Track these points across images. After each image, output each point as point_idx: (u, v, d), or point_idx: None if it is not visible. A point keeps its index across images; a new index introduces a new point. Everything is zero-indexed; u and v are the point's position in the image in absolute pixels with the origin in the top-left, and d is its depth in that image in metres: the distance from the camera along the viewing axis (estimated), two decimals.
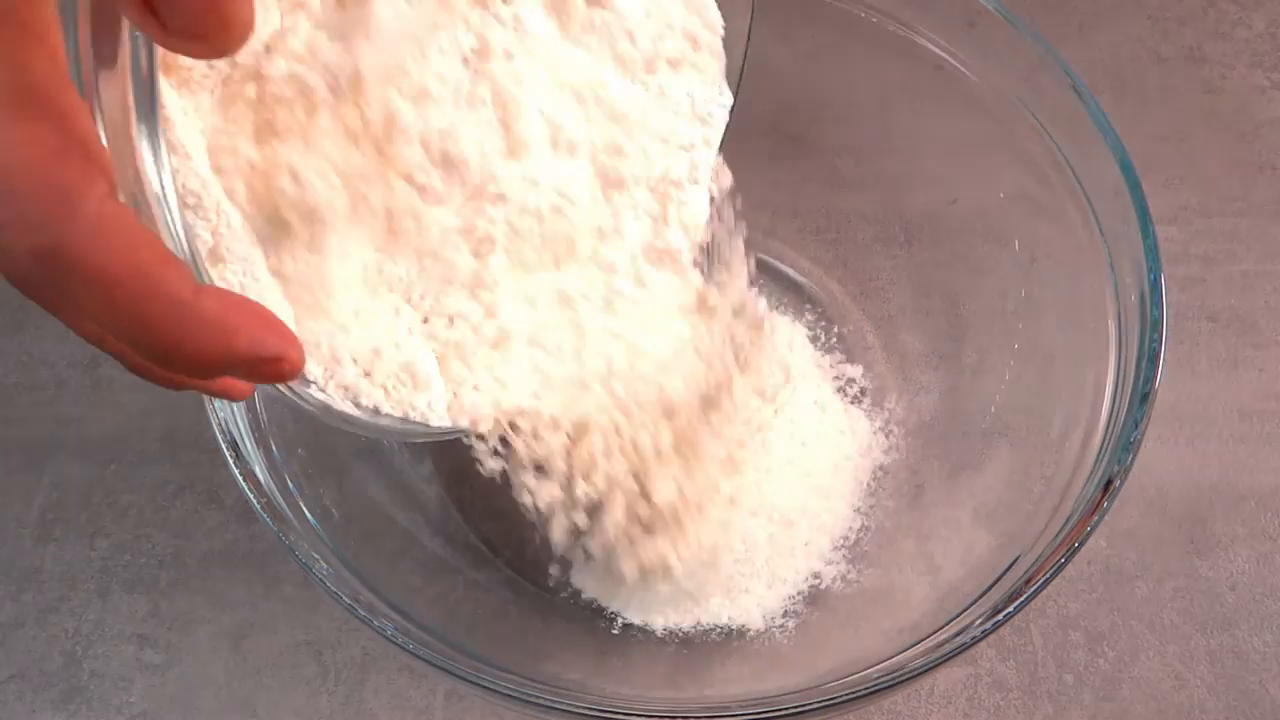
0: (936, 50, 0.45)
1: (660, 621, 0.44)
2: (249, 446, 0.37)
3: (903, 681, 0.34)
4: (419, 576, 0.42)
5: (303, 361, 0.26)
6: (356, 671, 0.46)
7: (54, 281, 0.22)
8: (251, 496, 0.36)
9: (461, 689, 0.35)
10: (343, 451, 0.43)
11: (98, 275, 0.22)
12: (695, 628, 0.44)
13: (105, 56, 0.24)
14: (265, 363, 0.25)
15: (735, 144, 0.40)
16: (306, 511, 0.38)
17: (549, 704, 0.33)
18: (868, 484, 0.47)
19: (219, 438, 0.36)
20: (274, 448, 0.38)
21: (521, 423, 0.36)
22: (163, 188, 0.25)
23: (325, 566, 0.35)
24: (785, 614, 0.44)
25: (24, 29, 0.21)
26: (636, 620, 0.44)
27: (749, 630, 0.44)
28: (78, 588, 0.47)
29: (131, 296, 0.23)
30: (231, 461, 0.36)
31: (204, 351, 0.24)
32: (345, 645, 0.46)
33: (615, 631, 0.44)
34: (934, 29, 0.45)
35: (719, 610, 0.44)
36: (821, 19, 0.46)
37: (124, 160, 0.24)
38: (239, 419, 0.37)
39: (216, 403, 0.36)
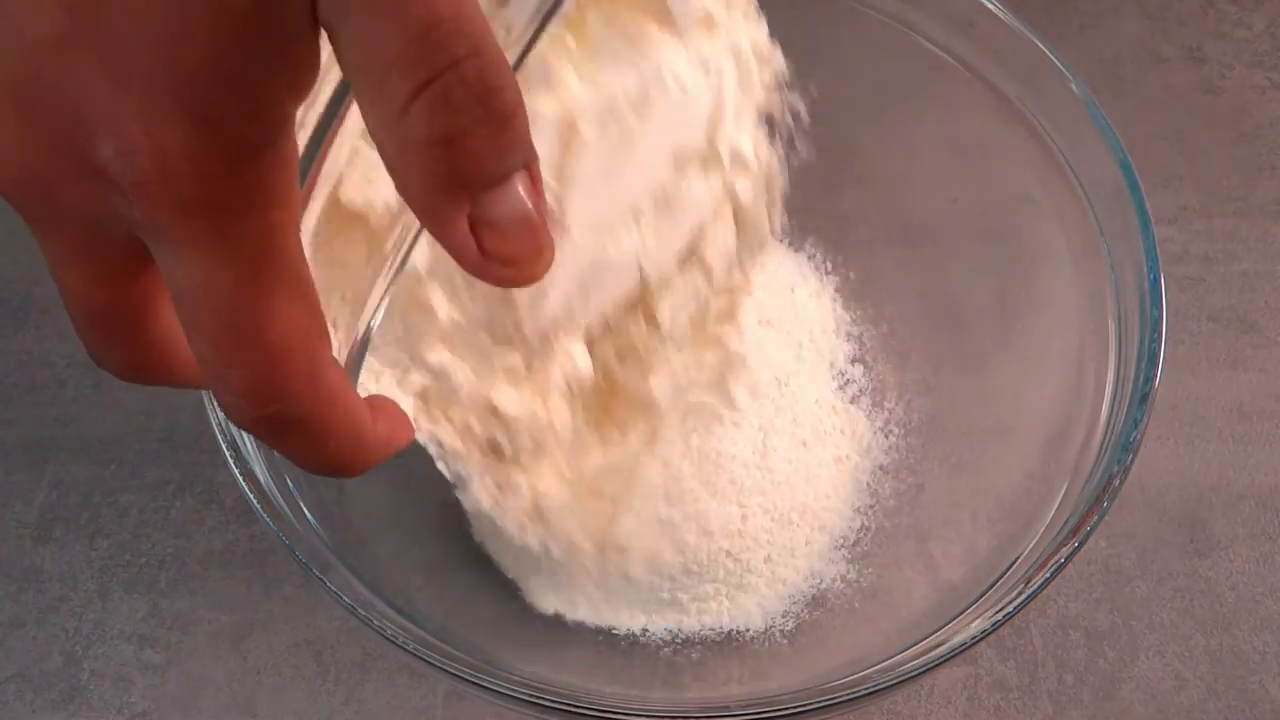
0: (936, 50, 0.45)
1: (660, 622, 0.44)
2: (249, 446, 0.37)
3: (903, 681, 0.34)
4: (419, 576, 0.42)
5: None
6: (356, 671, 0.46)
7: (274, 434, 0.23)
8: (251, 496, 0.35)
9: (461, 689, 0.35)
10: None
11: (322, 433, 0.23)
12: (695, 628, 0.44)
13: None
14: (397, 454, 0.27)
15: None
16: (306, 511, 0.38)
17: (549, 704, 0.33)
18: (868, 484, 0.47)
19: (219, 438, 0.36)
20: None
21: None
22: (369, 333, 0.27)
23: (325, 566, 0.35)
24: (785, 614, 0.44)
25: (286, 206, 0.21)
26: (637, 624, 0.44)
27: (749, 630, 0.44)
28: (78, 588, 0.47)
29: (342, 446, 0.24)
30: (231, 461, 0.36)
31: (371, 464, 0.25)
32: (345, 645, 0.46)
33: (616, 631, 0.44)
34: (934, 29, 0.45)
35: (719, 610, 0.44)
36: (821, 18, 0.46)
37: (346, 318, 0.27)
38: None
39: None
